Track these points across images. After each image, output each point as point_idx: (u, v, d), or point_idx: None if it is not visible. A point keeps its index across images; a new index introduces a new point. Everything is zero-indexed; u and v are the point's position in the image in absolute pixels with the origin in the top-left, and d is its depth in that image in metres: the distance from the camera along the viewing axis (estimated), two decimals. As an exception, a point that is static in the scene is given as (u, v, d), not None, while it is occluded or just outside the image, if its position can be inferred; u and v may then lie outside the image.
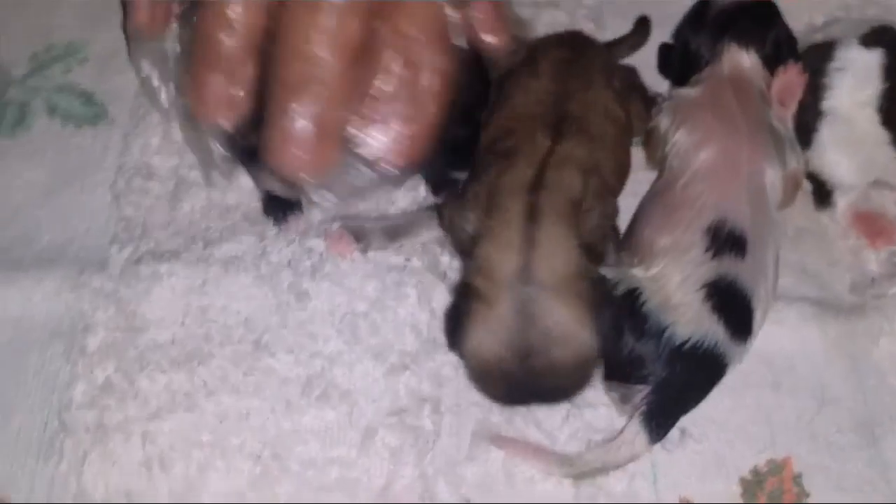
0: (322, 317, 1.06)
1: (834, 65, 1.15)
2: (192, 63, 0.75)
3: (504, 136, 1.08)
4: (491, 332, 0.94)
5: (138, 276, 1.09)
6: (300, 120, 0.70)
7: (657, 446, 1.00)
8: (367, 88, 0.74)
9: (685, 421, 1.02)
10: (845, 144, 1.16)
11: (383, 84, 0.74)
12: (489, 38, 0.84)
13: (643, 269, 1.02)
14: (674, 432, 1.02)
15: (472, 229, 0.99)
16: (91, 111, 1.28)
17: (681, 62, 1.25)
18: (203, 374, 1.02)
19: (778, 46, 1.19)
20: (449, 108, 0.79)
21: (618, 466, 0.98)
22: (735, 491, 1.00)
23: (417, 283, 1.09)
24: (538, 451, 1.00)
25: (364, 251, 1.09)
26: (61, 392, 1.02)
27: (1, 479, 0.96)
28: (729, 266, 1.01)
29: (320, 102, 0.70)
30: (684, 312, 0.98)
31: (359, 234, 1.09)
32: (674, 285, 0.99)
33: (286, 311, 1.06)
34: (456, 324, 0.98)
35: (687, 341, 0.97)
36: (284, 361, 1.03)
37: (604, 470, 0.98)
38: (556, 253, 0.95)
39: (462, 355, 0.99)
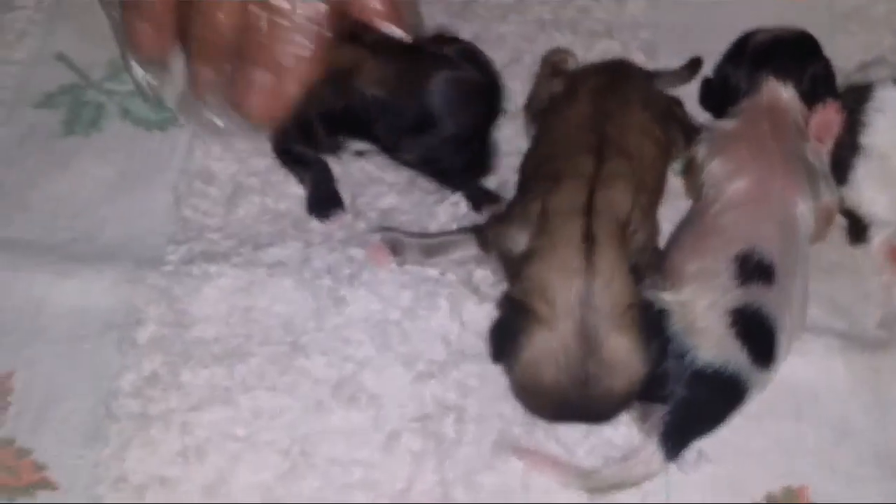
0: (356, 322, 1.11)
1: (872, 105, 1.16)
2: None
3: (546, 161, 1.12)
4: (550, 355, 0.96)
5: (190, 274, 1.16)
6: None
7: (673, 466, 1.03)
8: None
9: (703, 443, 1.04)
10: (882, 181, 1.16)
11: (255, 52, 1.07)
12: (385, 27, 1.09)
13: (672, 293, 1.04)
14: (691, 453, 1.04)
15: (522, 249, 1.02)
16: (161, 116, 1.35)
17: (720, 95, 1.27)
18: (242, 371, 1.08)
19: (815, 81, 1.21)
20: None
21: (634, 484, 1.01)
22: (747, 515, 1.02)
23: (449, 294, 1.13)
24: (556, 464, 1.03)
25: (401, 264, 1.13)
26: (110, 381, 1.08)
27: (47, 459, 1.03)
28: (755, 294, 1.03)
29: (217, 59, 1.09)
30: (708, 337, 1.00)
31: (397, 248, 1.14)
32: (700, 310, 1.02)
33: (323, 315, 1.12)
34: (507, 339, 1.00)
35: (709, 365, 0.99)
36: (318, 363, 1.08)
37: (620, 486, 1.01)
38: (615, 279, 0.97)
39: (511, 369, 1.01)
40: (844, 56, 1.34)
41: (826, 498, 1.03)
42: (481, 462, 1.04)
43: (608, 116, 1.12)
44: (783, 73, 1.21)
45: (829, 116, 1.18)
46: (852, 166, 1.17)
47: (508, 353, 1.00)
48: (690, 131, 1.24)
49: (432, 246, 1.14)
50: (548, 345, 0.97)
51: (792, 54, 1.23)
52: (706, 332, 1.01)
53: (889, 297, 1.16)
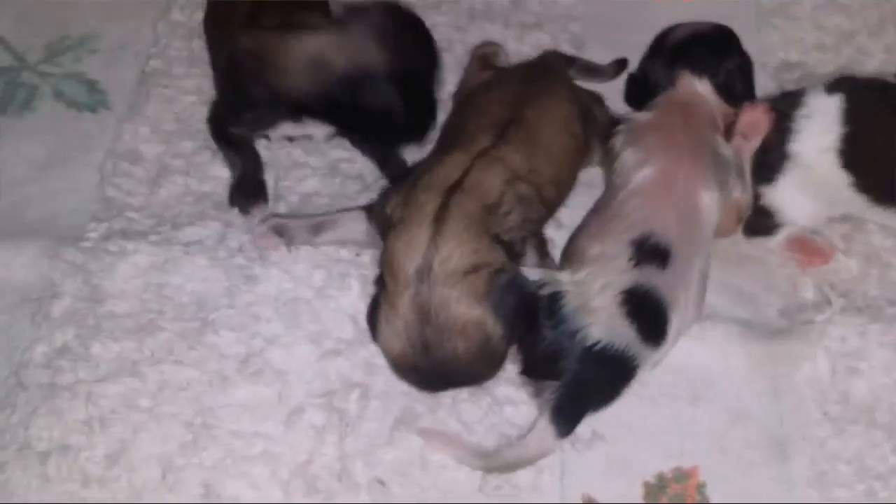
0: (267, 300, 1.14)
1: (801, 111, 1.18)
2: None
3: (454, 131, 1.17)
4: (393, 330, 1.01)
5: (107, 251, 1.18)
6: None
7: (568, 445, 1.06)
8: None
9: (598, 423, 1.07)
10: (806, 189, 1.18)
11: None
12: None
13: (570, 274, 1.07)
14: (585, 432, 1.07)
15: (393, 219, 1.06)
16: (93, 98, 1.38)
17: (641, 89, 1.29)
18: (151, 345, 1.10)
19: (732, 76, 1.24)
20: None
21: (529, 462, 1.04)
22: (637, 493, 1.04)
23: (361, 275, 1.16)
24: (454, 443, 1.06)
25: (289, 245, 1.16)
26: (23, 352, 1.10)
27: (-45, 424, 1.05)
28: (649, 276, 1.05)
29: None
30: (600, 315, 1.03)
31: (281, 231, 1.17)
32: (594, 290, 1.04)
33: (235, 293, 1.14)
34: (371, 317, 1.05)
35: (598, 342, 1.02)
36: (227, 339, 1.11)
37: (515, 465, 1.04)
38: (456, 252, 1.00)
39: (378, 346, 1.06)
40: (770, 53, 1.38)
41: (716, 479, 1.05)
42: (382, 438, 1.06)
43: (531, 101, 1.16)
44: (698, 68, 1.23)
45: (757, 116, 1.20)
46: (779, 170, 1.18)
47: (373, 331, 1.06)
48: (610, 127, 1.27)
49: (319, 224, 1.17)
50: (391, 319, 1.01)
51: (708, 49, 1.25)
52: (598, 311, 1.03)
53: (792, 289, 1.18)
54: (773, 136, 1.19)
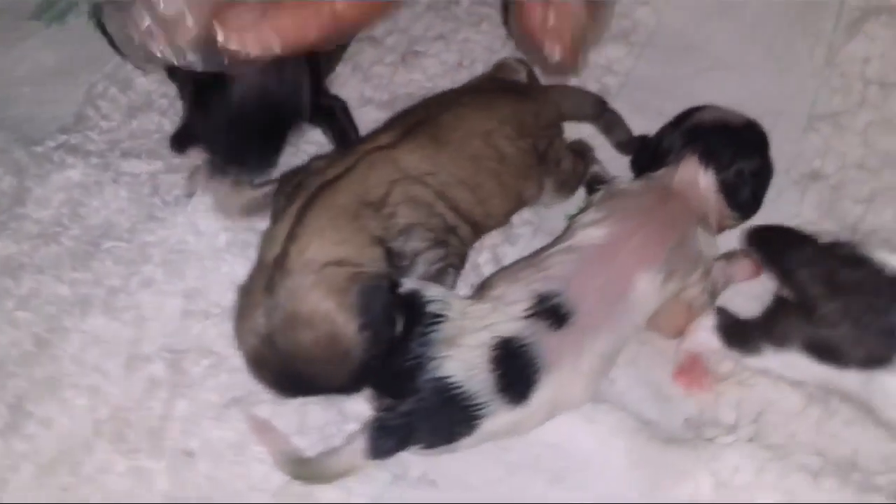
0: (163, 245, 1.12)
1: None
2: None
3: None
4: (247, 322, 0.97)
5: (50, 160, 1.20)
6: None
7: (391, 478, 0.98)
8: None
9: (434, 468, 0.99)
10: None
11: None
12: None
13: (465, 304, 0.99)
14: (415, 471, 0.99)
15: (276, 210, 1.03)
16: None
17: (648, 156, 1.18)
18: (42, 253, 1.12)
19: (742, 178, 1.11)
20: None
21: (337, 475, 0.96)
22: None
23: (264, 249, 1.11)
24: (279, 440, 0.99)
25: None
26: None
27: None
28: (536, 332, 0.96)
29: None
30: (463, 352, 0.94)
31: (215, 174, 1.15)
32: (473, 327, 0.96)
33: (138, 230, 1.13)
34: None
35: (448, 378, 0.93)
36: (108, 269, 1.10)
37: (322, 477, 0.96)
38: (315, 242, 0.96)
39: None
40: (804, 157, 1.28)
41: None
42: (212, 411, 1.01)
43: (455, 105, 1.11)
44: (708, 158, 1.11)
45: (747, 269, 1.12)
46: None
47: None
48: (589, 181, 1.21)
49: (254, 201, 1.14)
50: (247, 310, 0.97)
51: (727, 141, 1.12)
52: (465, 348, 0.95)
53: (711, 402, 1.05)
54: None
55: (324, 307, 0.94)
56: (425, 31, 1.40)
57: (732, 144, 1.12)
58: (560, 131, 1.21)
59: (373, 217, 0.99)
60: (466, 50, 1.38)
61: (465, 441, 0.95)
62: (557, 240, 1.09)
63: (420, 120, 1.08)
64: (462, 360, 0.94)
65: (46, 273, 1.09)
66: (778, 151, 1.17)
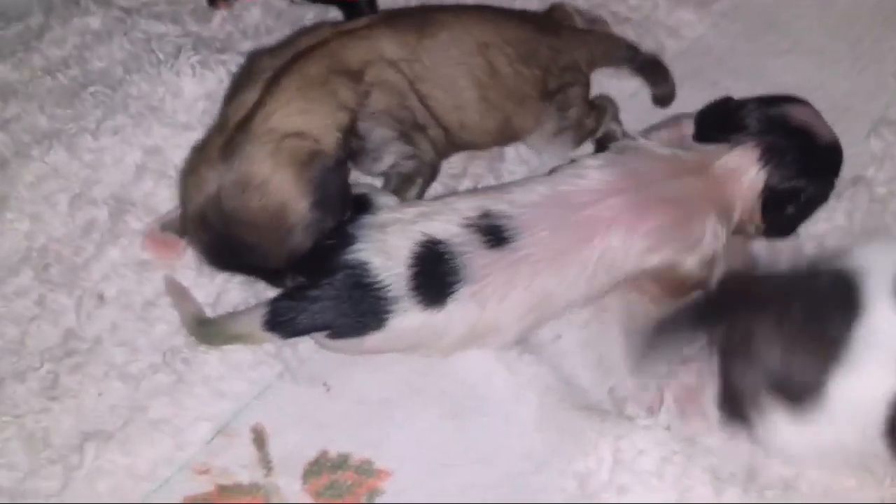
0: (144, 101, 1.12)
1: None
2: None
3: None
4: (196, 175, 0.93)
5: (78, 4, 1.23)
6: None
7: (285, 372, 0.96)
8: None
9: (334, 376, 0.96)
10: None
11: None
12: None
13: (405, 203, 0.96)
14: (310, 371, 0.96)
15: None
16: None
17: (720, 121, 1.04)
18: (38, 84, 1.14)
19: (793, 194, 0.99)
20: None
21: (233, 337, 0.93)
22: (308, 453, 0.91)
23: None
24: (186, 302, 0.97)
25: None
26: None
27: None
28: (466, 242, 0.90)
29: None
30: (385, 244, 0.90)
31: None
32: (403, 222, 0.91)
33: (126, 83, 1.13)
34: None
35: (363, 265, 0.89)
36: (83, 111, 1.12)
37: (221, 338, 0.94)
38: (281, 109, 0.92)
39: None
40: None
41: (398, 495, 0.89)
42: (137, 266, 1.02)
43: (458, 11, 1.06)
44: (773, 156, 0.98)
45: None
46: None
47: None
48: (576, 131, 1.12)
49: None
50: (198, 166, 0.93)
51: (802, 152, 0.99)
52: (388, 241, 0.90)
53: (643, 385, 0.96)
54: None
55: (279, 176, 0.90)
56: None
57: (805, 158, 0.99)
58: (583, 80, 1.12)
59: (345, 85, 0.95)
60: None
61: (375, 337, 0.90)
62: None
63: (411, 13, 1.03)
64: (383, 249, 0.89)
65: (33, 102, 1.10)
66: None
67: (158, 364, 0.95)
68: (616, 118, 1.14)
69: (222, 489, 0.89)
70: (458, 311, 0.90)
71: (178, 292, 0.98)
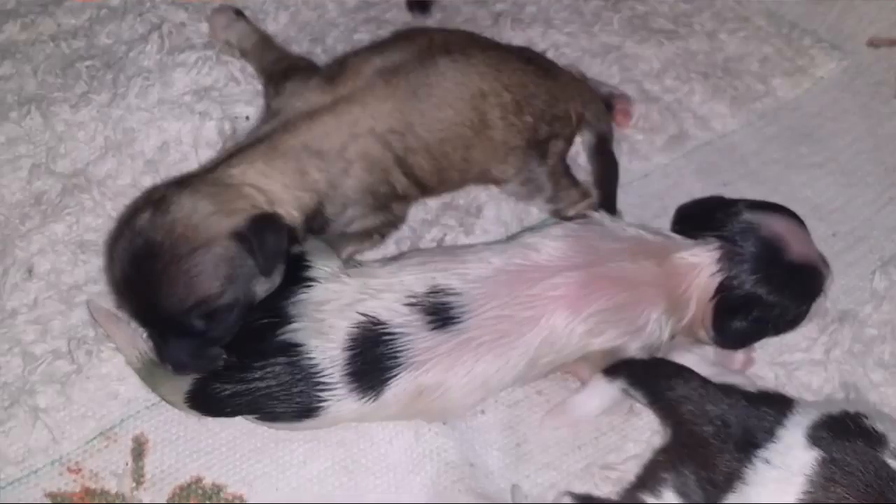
0: (133, 83, 1.10)
1: None
2: None
3: None
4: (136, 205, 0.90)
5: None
6: None
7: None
8: None
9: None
10: None
11: None
12: None
13: (358, 272, 0.89)
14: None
15: None
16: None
17: (700, 213, 0.99)
18: (39, 49, 1.14)
19: (747, 310, 0.92)
20: None
21: (161, 394, 0.89)
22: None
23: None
24: (123, 334, 0.91)
25: None
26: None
27: None
28: (408, 323, 0.85)
29: None
30: (323, 324, 0.84)
31: None
32: (344, 300, 0.86)
33: (123, 64, 1.12)
34: None
35: (298, 347, 0.83)
36: (72, 81, 1.11)
37: (153, 387, 0.90)
38: (243, 166, 0.90)
39: None
40: None
41: None
42: (74, 249, 0.99)
43: (462, 57, 1.00)
44: (731, 262, 0.92)
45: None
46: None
47: None
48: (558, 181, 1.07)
49: None
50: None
51: (767, 265, 0.92)
52: (326, 322, 0.84)
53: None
54: None
55: (215, 218, 0.86)
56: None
57: (765, 270, 0.92)
58: (568, 133, 1.08)
59: (318, 168, 0.92)
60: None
61: (308, 424, 0.86)
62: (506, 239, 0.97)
63: (412, 65, 0.98)
64: (320, 331, 0.84)
65: (28, 65, 1.10)
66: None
67: (62, 350, 0.92)
68: (594, 208, 1.06)
69: (87, 492, 0.86)
70: (395, 397, 0.85)
71: (109, 321, 0.92)
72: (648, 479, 0.83)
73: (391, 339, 0.84)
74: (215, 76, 1.10)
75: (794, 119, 1.24)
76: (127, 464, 0.88)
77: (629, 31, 1.28)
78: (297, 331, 0.84)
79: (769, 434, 0.79)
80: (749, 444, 0.79)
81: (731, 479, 0.78)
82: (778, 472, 0.77)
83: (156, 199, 0.86)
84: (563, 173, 1.06)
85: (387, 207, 0.97)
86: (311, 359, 0.83)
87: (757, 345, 1.00)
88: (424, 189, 1.00)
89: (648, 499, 0.82)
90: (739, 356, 0.98)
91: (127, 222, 0.87)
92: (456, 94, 0.98)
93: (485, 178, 1.04)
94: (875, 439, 0.77)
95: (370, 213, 0.96)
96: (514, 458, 0.92)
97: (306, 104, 0.94)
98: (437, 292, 0.86)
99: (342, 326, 0.84)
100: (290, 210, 0.90)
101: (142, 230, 0.85)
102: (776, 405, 0.82)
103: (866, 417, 0.81)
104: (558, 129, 1.05)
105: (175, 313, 0.84)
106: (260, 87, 1.11)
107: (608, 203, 1.06)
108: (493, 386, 0.88)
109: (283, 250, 0.87)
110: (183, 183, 0.88)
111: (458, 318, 0.86)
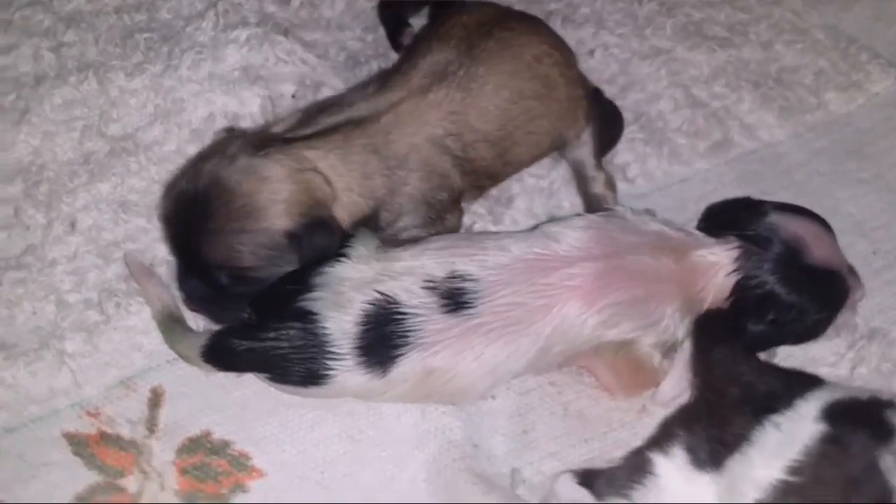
0: (188, 54, 1.15)
1: None
2: None
3: None
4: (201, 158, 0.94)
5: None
6: None
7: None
8: None
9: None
10: None
11: None
12: None
13: (380, 252, 0.91)
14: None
15: None
16: None
17: (728, 214, 0.99)
18: (104, 20, 1.20)
19: (763, 311, 0.91)
20: None
21: (177, 351, 0.92)
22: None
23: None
24: (154, 287, 0.95)
25: None
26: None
27: None
28: (422, 305, 0.86)
29: None
30: (341, 297, 0.86)
31: None
32: (366, 278, 0.87)
33: (180, 37, 1.17)
34: None
35: (313, 315, 0.85)
36: (129, 51, 1.17)
37: (170, 342, 0.93)
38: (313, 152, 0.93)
39: None
40: None
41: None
42: (115, 208, 1.04)
43: (504, 34, 1.02)
44: (749, 262, 0.91)
45: None
46: None
47: None
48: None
49: None
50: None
51: (787, 268, 0.91)
52: (346, 294, 0.86)
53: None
54: None
55: (284, 187, 0.89)
56: None
57: (787, 274, 0.92)
58: None
59: (381, 173, 0.94)
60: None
61: (314, 390, 0.87)
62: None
63: (455, 55, 0.99)
64: (337, 303, 0.86)
65: (90, 34, 1.17)
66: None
67: (94, 301, 0.96)
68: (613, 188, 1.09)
69: (102, 436, 0.89)
70: (403, 375, 0.86)
71: (142, 274, 0.96)
72: (662, 435, 0.84)
73: (403, 319, 0.85)
74: (265, 54, 1.14)
75: (844, 134, 1.22)
76: (143, 413, 0.90)
77: (682, 36, 1.27)
78: (316, 300, 0.86)
79: (788, 403, 0.79)
80: (767, 409, 0.79)
81: (740, 441, 0.78)
82: (782, 436, 0.77)
83: (230, 155, 0.89)
84: None
85: (441, 219, 0.98)
86: (324, 328, 0.85)
87: (782, 356, 0.98)
88: (490, 177, 1.02)
89: (657, 456, 0.82)
90: None
91: (196, 165, 0.90)
92: (511, 70, 0.99)
93: (556, 145, 1.05)
94: (884, 432, 0.75)
95: (422, 224, 0.97)
96: (519, 445, 0.92)
97: (372, 107, 0.96)
98: (454, 277, 0.87)
99: (358, 302, 0.86)
100: (343, 214, 0.92)
101: (207, 183, 0.88)
102: (806, 381, 0.83)
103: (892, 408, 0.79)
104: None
105: (206, 263, 0.88)
106: (306, 68, 1.14)
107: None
108: (502, 373, 0.88)
109: (329, 254, 0.89)
110: (260, 147, 0.90)
111: (472, 303, 0.86)
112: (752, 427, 0.79)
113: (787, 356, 0.99)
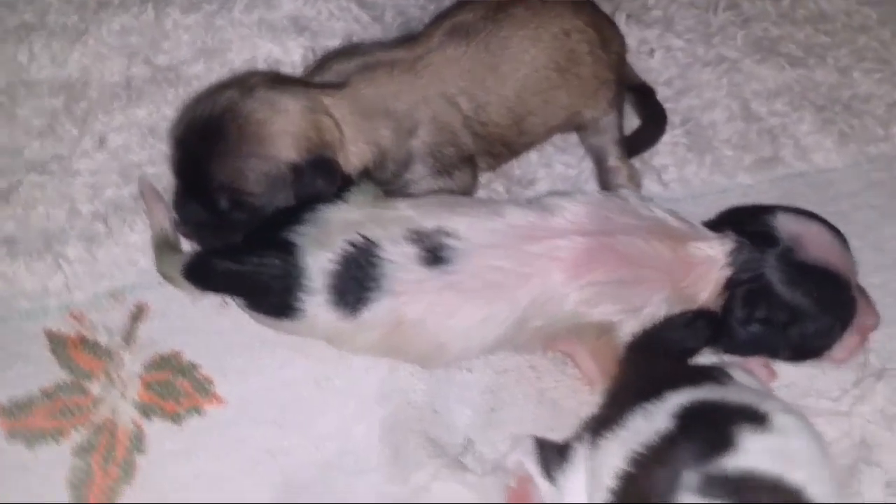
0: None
1: None
2: None
3: None
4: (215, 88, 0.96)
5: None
6: None
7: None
8: None
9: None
10: None
11: None
12: None
13: (376, 201, 0.92)
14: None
15: None
16: None
17: (738, 217, 0.97)
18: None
19: (752, 308, 0.89)
20: None
21: (162, 271, 0.94)
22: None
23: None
24: (160, 211, 0.97)
25: None
26: None
27: None
28: (400, 254, 0.86)
29: None
30: (323, 235, 0.87)
31: None
32: (351, 220, 0.88)
33: None
34: None
35: (293, 247, 0.87)
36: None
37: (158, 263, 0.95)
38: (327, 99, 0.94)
39: None
40: None
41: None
42: (141, 130, 1.07)
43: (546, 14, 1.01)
44: (742, 258, 0.89)
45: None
46: None
47: None
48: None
49: None
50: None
51: (784, 266, 0.89)
52: (328, 235, 0.87)
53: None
54: None
55: (296, 122, 0.91)
56: None
57: (783, 268, 0.89)
58: None
59: (386, 125, 0.95)
60: None
61: (286, 323, 0.88)
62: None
63: (481, 17, 0.99)
64: (318, 240, 0.87)
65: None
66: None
67: (101, 213, 0.99)
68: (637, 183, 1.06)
69: (81, 339, 0.92)
70: (372, 321, 0.86)
71: (152, 197, 0.98)
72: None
73: (380, 265, 0.85)
74: (319, 8, 1.15)
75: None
76: (123, 325, 0.93)
77: (752, 49, 1.23)
78: (301, 234, 0.87)
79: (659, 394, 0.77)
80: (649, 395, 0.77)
81: (613, 424, 0.77)
82: (644, 424, 0.75)
83: (249, 86, 0.91)
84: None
85: (448, 174, 0.98)
86: (303, 262, 0.86)
87: (783, 383, 0.94)
88: (504, 144, 1.01)
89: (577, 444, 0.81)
90: (759, 368, 0.92)
91: (214, 93, 0.92)
92: (533, 37, 0.98)
93: (575, 122, 1.04)
94: (716, 445, 0.71)
95: (430, 176, 0.97)
96: (483, 421, 0.91)
97: (388, 56, 0.97)
98: (440, 233, 0.87)
99: (340, 242, 0.86)
100: (352, 159, 0.93)
101: (223, 107, 0.90)
102: (700, 374, 0.81)
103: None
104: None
105: (209, 184, 0.89)
106: (357, 26, 1.15)
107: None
108: (475, 339, 0.87)
109: (325, 197, 0.90)
110: (280, 84, 0.92)
111: (452, 259, 0.86)
112: (627, 412, 0.76)
113: (790, 384, 0.95)
